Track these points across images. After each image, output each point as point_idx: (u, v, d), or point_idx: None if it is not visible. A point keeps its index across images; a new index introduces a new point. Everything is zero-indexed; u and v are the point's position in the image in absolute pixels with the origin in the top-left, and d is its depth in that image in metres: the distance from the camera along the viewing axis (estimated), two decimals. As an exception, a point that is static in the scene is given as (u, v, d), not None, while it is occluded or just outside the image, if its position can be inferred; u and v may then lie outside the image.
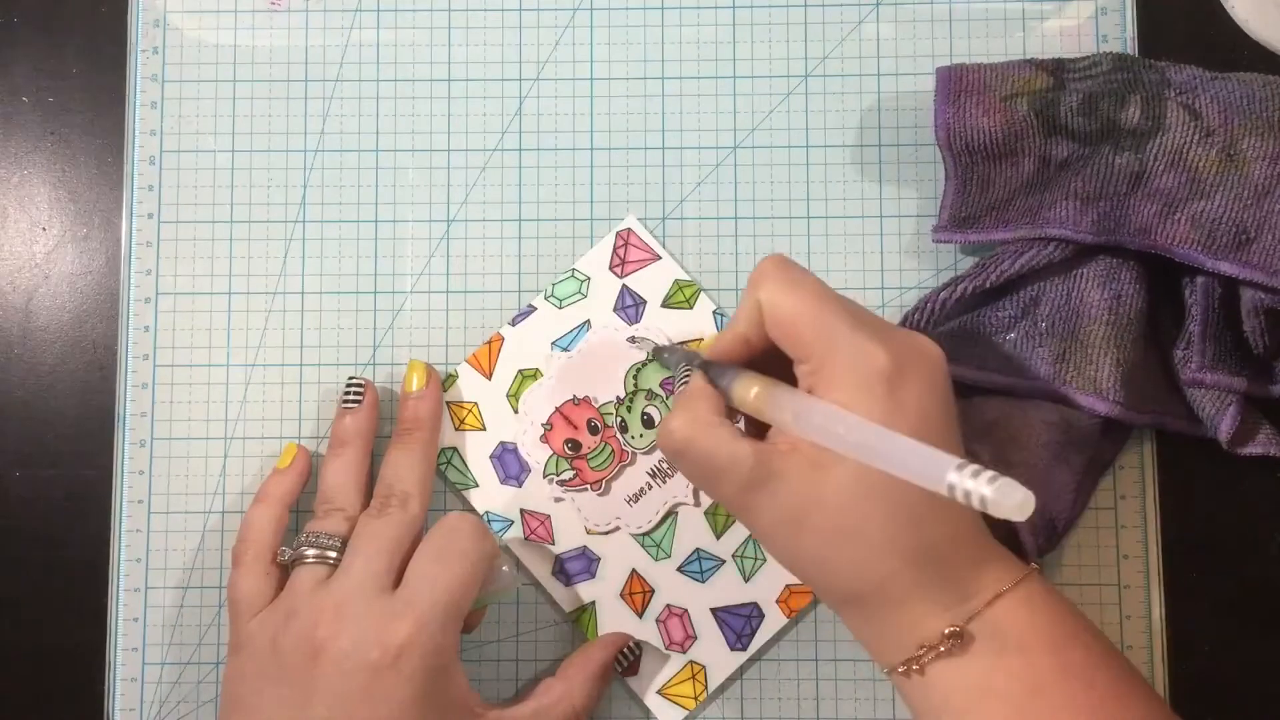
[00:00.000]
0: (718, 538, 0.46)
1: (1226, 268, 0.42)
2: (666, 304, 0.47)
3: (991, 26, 0.48)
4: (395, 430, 0.45)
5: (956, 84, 0.44)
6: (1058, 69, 0.44)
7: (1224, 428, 0.43)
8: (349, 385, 0.45)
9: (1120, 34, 0.47)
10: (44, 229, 0.48)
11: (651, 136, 0.48)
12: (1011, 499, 0.30)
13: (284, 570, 0.43)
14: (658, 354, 0.45)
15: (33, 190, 0.48)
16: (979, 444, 0.43)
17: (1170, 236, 0.42)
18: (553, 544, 0.46)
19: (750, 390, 0.38)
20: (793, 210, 0.47)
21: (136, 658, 0.46)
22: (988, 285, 0.44)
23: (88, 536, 0.46)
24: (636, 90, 0.48)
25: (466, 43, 0.48)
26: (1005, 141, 0.44)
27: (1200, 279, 0.43)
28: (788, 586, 0.45)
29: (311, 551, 0.42)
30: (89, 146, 0.48)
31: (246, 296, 0.47)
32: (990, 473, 0.30)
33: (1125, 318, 0.43)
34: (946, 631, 0.36)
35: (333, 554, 0.42)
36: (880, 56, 0.48)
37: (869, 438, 0.34)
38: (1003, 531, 0.43)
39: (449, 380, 0.47)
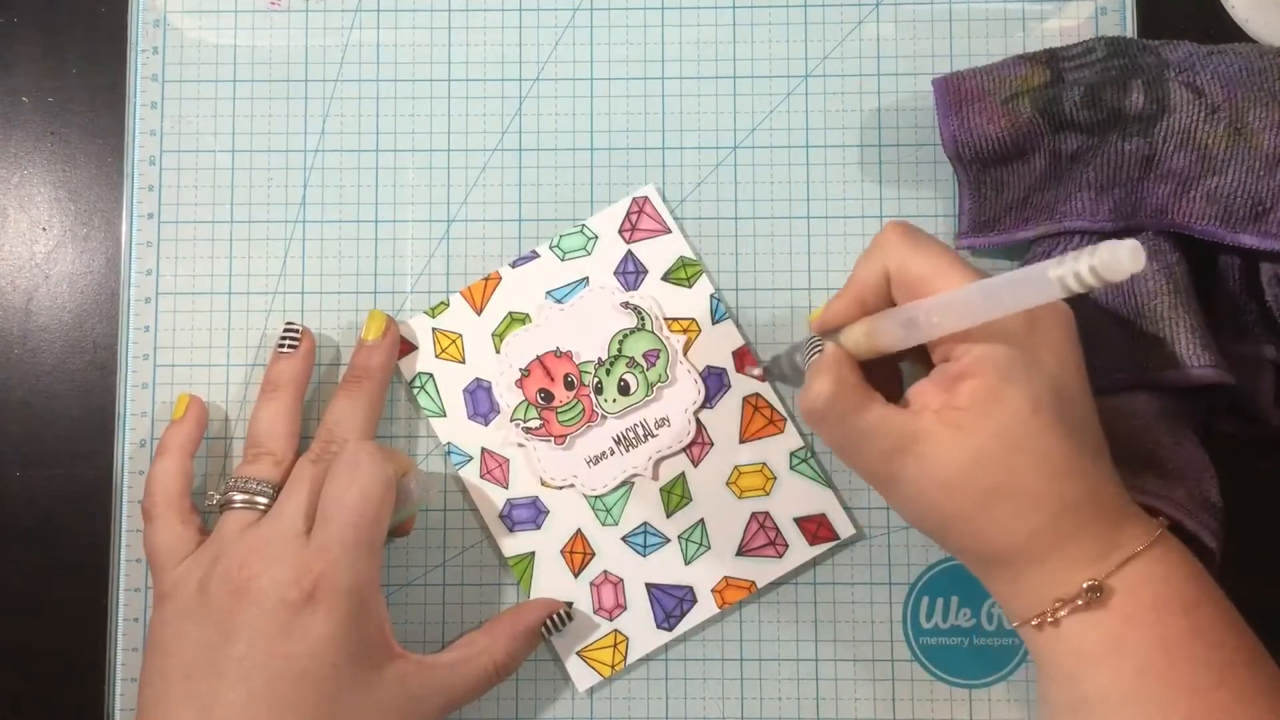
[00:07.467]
0: (668, 516, 0.46)
1: (1247, 239, 0.42)
2: (666, 278, 0.47)
3: (991, 26, 0.48)
4: (344, 376, 0.45)
5: (955, 94, 0.44)
6: (1052, 60, 0.44)
7: (1262, 397, 0.43)
8: (286, 330, 0.45)
9: (1120, 34, 0.47)
10: (44, 229, 0.48)
11: (651, 136, 0.48)
12: (1119, 252, 0.30)
13: (202, 517, 0.43)
14: (774, 364, 0.44)
15: (33, 190, 0.48)
16: None
17: (1187, 214, 0.42)
18: (506, 488, 0.46)
19: (858, 330, 0.39)
20: (793, 210, 0.47)
21: (136, 658, 0.46)
22: None
23: (88, 536, 0.46)
24: (636, 90, 0.48)
25: (466, 43, 0.48)
26: (1015, 144, 0.44)
27: (1221, 254, 0.43)
28: (725, 578, 0.45)
29: (240, 497, 0.42)
30: (89, 146, 0.48)
31: (246, 296, 0.47)
32: (1087, 249, 0.31)
33: (1182, 284, 0.43)
34: (1085, 585, 0.36)
35: (262, 500, 0.42)
36: (880, 56, 0.48)
37: (974, 297, 0.35)
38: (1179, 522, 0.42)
39: (439, 307, 0.47)
